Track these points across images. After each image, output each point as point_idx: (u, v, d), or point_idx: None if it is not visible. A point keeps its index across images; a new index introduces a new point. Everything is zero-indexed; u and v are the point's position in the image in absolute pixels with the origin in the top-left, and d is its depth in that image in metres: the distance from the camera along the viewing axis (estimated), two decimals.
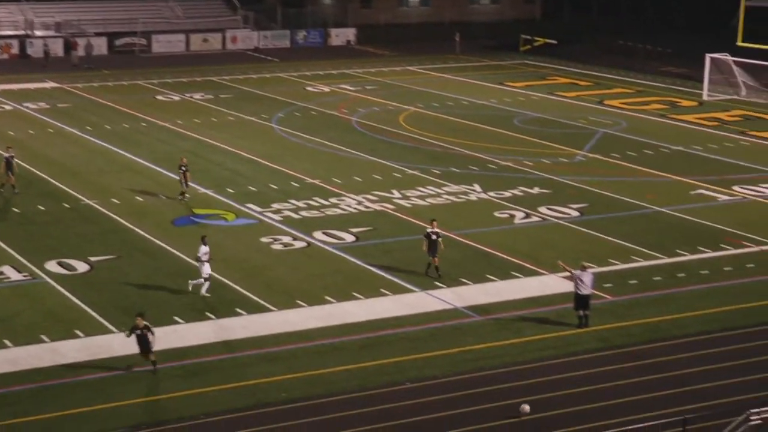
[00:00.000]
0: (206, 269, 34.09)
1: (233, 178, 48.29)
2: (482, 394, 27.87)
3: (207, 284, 34.05)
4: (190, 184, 45.01)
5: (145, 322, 28.63)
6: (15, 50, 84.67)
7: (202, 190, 45.68)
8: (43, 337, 31.06)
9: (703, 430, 24.02)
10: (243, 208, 43.93)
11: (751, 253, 39.02)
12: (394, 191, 46.50)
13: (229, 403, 27.31)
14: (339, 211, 43.65)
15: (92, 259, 37.57)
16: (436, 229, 35.97)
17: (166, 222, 42.05)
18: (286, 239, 40.07)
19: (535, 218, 42.98)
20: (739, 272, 36.99)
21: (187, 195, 44.67)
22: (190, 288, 34.26)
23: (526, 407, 26.56)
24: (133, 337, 28.72)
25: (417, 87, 73.38)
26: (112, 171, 49.90)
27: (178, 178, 45.25)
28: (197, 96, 68.99)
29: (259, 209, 43.82)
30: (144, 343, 28.67)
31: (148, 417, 26.64)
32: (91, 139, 56.48)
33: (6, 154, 45.94)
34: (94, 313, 32.89)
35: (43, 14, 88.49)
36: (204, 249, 34.08)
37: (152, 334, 28.70)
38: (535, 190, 46.91)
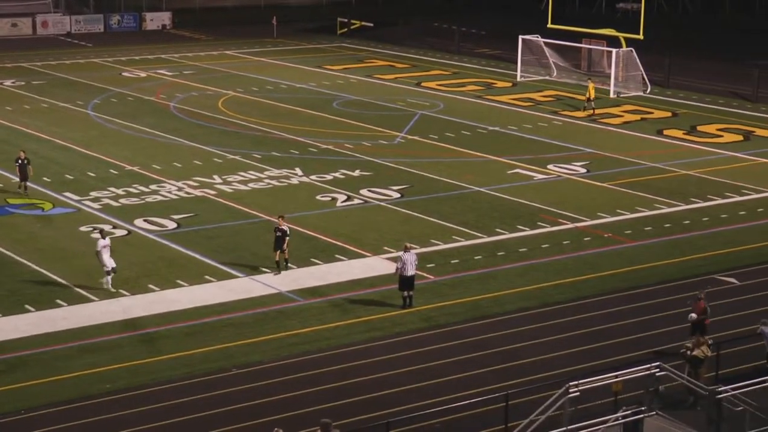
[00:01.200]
0: (107, 261, 33.34)
1: (49, 167, 47.19)
2: (308, 378, 27.98)
3: (109, 277, 33.39)
4: (16, 179, 43.36)
5: None
6: None
7: (15, 179, 44.44)
8: None
9: (525, 405, 24.62)
10: (60, 197, 42.98)
11: (566, 230, 40.12)
12: (216, 176, 46.18)
13: (52, 397, 26.79)
14: (160, 198, 43.13)
15: None
16: (284, 226, 35.17)
17: None
18: (107, 227, 39.33)
19: (357, 200, 43.26)
20: (555, 249, 38.01)
21: (23, 187, 43.06)
22: (105, 287, 33.32)
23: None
24: None
25: (235, 71, 72.95)
26: None
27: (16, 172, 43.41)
28: (8, 83, 67.12)
29: (77, 197, 42.96)
30: None
31: None
32: None
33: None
34: None
35: None
36: (103, 242, 33.31)
37: None
38: (357, 173, 47.22)
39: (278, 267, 35.09)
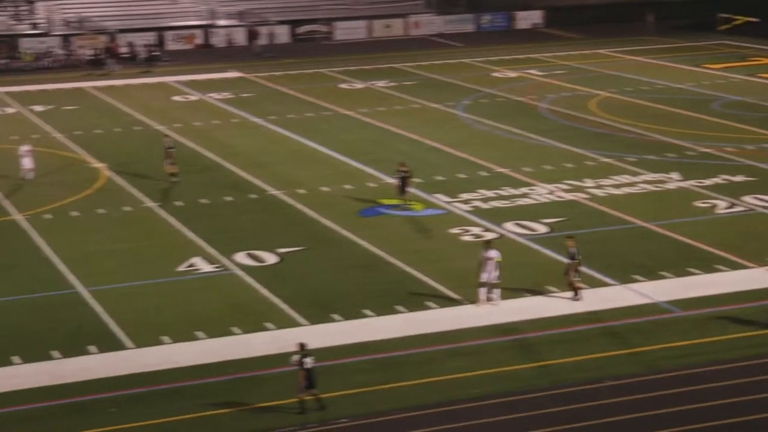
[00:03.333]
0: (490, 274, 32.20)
1: (420, 168, 47.31)
2: (684, 394, 26.29)
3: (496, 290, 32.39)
4: (408, 189, 42.40)
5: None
6: (199, 40, 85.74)
7: (389, 179, 44.88)
8: (234, 329, 30.76)
9: None
10: (431, 198, 43.00)
11: None
12: (587, 180, 44.90)
13: (421, 399, 26.58)
14: (530, 201, 42.35)
15: (280, 250, 37.17)
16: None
17: (351, 213, 41.44)
18: (476, 230, 38.96)
19: (739, 208, 40.84)
20: None
21: (408, 202, 42.12)
22: (493, 301, 32.38)
23: None
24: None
25: (608, 71, 71.15)
26: (297, 161, 49.62)
27: (394, 182, 43.07)
28: (380, 83, 68.40)
29: (447, 199, 42.84)
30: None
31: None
32: (275, 128, 56.41)
33: (166, 144, 46.17)
34: (283, 306, 32.46)
35: (226, 4, 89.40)
36: (492, 253, 32.15)
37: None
38: (739, 178, 44.64)
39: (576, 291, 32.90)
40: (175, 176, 45.50)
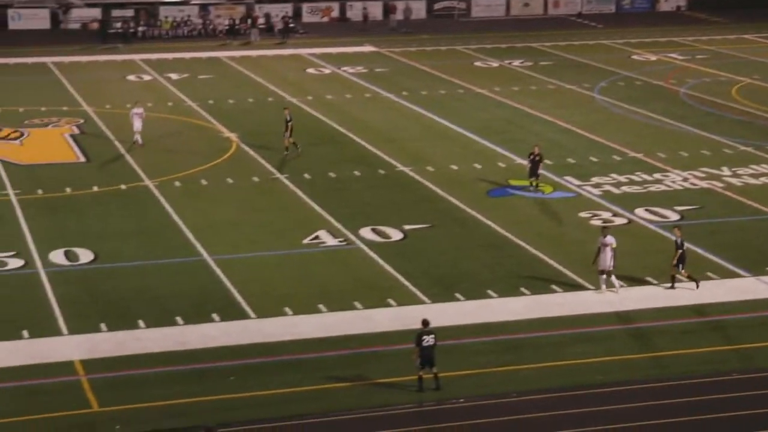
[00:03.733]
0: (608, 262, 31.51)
1: (551, 149, 46.63)
2: None
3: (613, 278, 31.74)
4: (539, 173, 41.48)
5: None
6: (335, 13, 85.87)
7: (519, 160, 44.31)
8: (356, 304, 30.72)
9: None
10: (561, 181, 42.34)
11: None
12: (724, 168, 43.73)
13: (543, 383, 26.32)
14: (663, 188, 41.40)
15: (406, 227, 36.99)
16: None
17: (480, 192, 41.04)
18: (606, 215, 38.25)
19: None
20: None
21: (534, 184, 41.09)
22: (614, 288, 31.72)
23: None
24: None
25: (754, 57, 68.91)
26: (427, 138, 49.34)
27: (526, 164, 42.11)
28: (516, 63, 67.58)
29: (577, 182, 42.13)
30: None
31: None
32: (407, 104, 56.18)
33: (286, 115, 46.10)
34: (406, 283, 32.30)
35: None
36: (609, 239, 31.54)
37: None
38: None
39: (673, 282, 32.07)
40: (296, 146, 45.67)
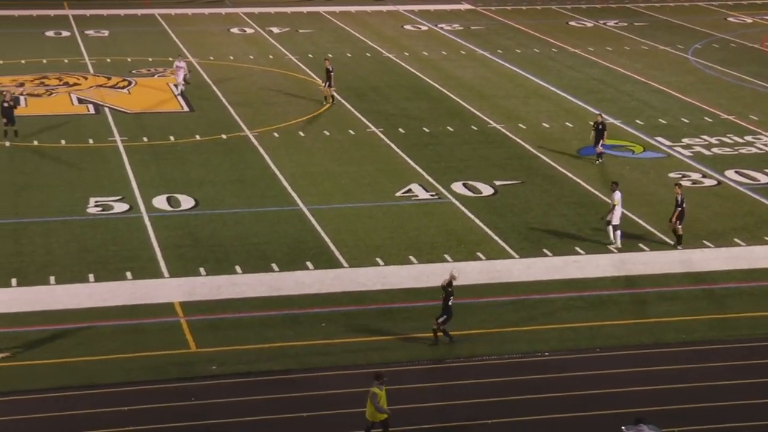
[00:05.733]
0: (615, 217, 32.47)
1: (643, 110, 46.90)
2: None
3: (618, 233, 32.59)
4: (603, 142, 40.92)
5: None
6: None
7: (610, 120, 44.60)
8: (446, 257, 31.47)
9: None
10: (651, 141, 42.61)
11: None
12: None
13: (628, 339, 26.80)
14: (755, 150, 41.48)
15: (497, 182, 37.64)
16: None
17: (571, 150, 41.49)
18: (696, 176, 38.53)
19: None
20: None
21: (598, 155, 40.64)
22: (617, 243, 32.47)
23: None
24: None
25: None
26: (520, 96, 49.78)
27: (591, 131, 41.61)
28: (611, 23, 67.48)
29: (668, 143, 42.37)
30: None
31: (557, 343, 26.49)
32: (501, 62, 56.57)
33: (328, 66, 47.02)
34: (496, 237, 32.97)
35: None
36: (617, 196, 32.54)
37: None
38: None
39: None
40: (332, 99, 46.79)
